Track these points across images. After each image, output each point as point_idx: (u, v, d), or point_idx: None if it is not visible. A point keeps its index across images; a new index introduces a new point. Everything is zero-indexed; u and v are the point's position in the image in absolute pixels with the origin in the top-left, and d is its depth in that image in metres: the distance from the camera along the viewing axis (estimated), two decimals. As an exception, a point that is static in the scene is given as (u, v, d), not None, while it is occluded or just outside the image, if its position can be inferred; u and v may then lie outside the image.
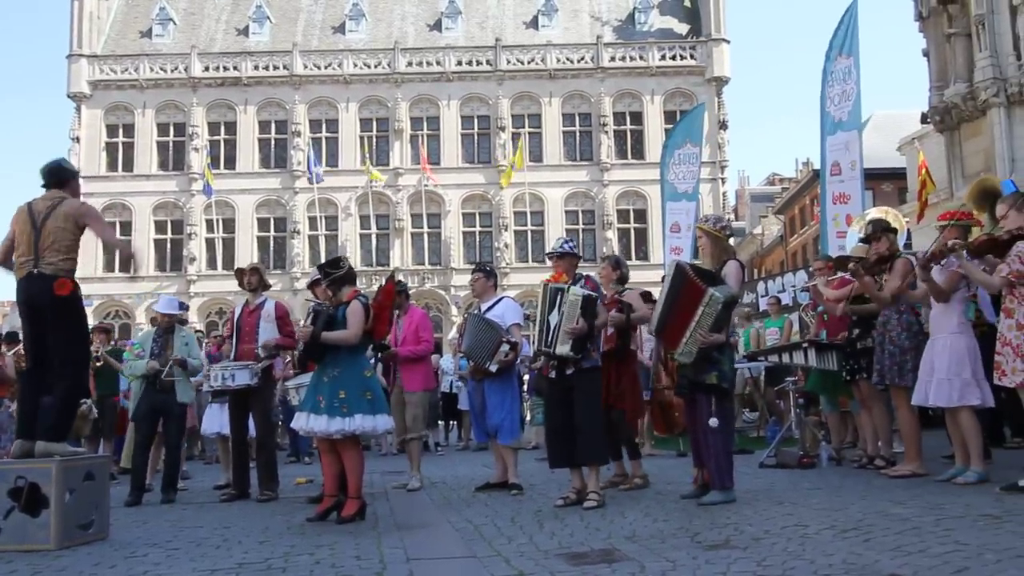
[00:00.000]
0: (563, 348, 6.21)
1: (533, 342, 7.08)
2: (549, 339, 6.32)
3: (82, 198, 6.22)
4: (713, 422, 5.90)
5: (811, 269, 9.11)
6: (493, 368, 7.34)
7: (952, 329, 6.33)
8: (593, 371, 6.42)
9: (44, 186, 5.93)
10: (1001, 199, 6.20)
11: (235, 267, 9.33)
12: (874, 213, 8.70)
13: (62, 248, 5.67)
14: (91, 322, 16.83)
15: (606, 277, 7.62)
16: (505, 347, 7.29)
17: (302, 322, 6.29)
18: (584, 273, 6.80)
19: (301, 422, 6.22)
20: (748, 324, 13.43)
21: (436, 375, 13.60)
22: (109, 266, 37.95)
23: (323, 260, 36.38)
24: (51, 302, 5.62)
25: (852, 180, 11.67)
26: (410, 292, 8.99)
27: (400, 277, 8.22)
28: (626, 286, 7.68)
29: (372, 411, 6.11)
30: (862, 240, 7.82)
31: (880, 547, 4.10)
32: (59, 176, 5.95)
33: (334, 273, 6.42)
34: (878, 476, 6.92)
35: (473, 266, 8.32)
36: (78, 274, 5.94)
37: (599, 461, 6.40)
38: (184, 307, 9.72)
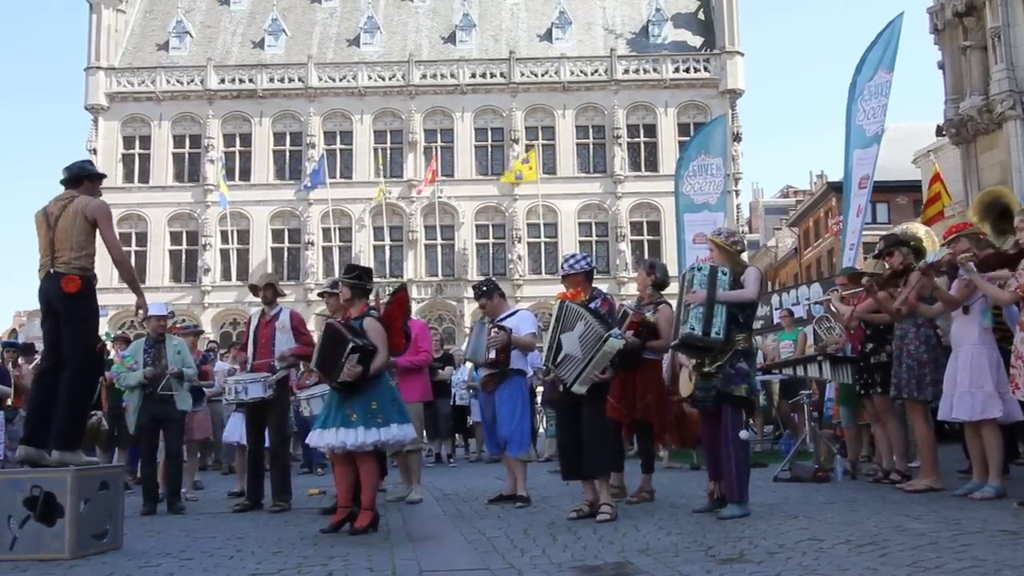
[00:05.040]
0: (580, 388, 6.13)
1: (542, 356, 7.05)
2: (557, 359, 6.25)
3: None
4: (744, 434, 5.93)
5: (833, 288, 9.04)
6: (492, 355, 7.33)
7: (973, 341, 6.27)
8: (599, 384, 6.33)
9: (62, 184, 5.99)
10: (1018, 212, 6.16)
11: (248, 280, 9.35)
12: (906, 227, 8.60)
13: (75, 245, 5.68)
14: (105, 331, 16.92)
15: (642, 283, 7.56)
16: (493, 331, 7.28)
17: (350, 358, 5.94)
18: (600, 291, 6.74)
19: (328, 438, 5.97)
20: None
21: (448, 387, 13.63)
22: (124, 276, 38.17)
23: (337, 272, 36.11)
24: (62, 299, 5.64)
25: (865, 193, 11.73)
26: (424, 303, 8.93)
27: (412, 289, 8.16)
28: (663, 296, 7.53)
29: (404, 420, 6.12)
30: (875, 256, 7.78)
31: (896, 562, 4.06)
32: (72, 174, 5.98)
33: (366, 283, 6.44)
34: (894, 490, 6.86)
35: (474, 289, 8.10)
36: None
37: (606, 474, 6.35)
38: (171, 314, 9.65)
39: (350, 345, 5.95)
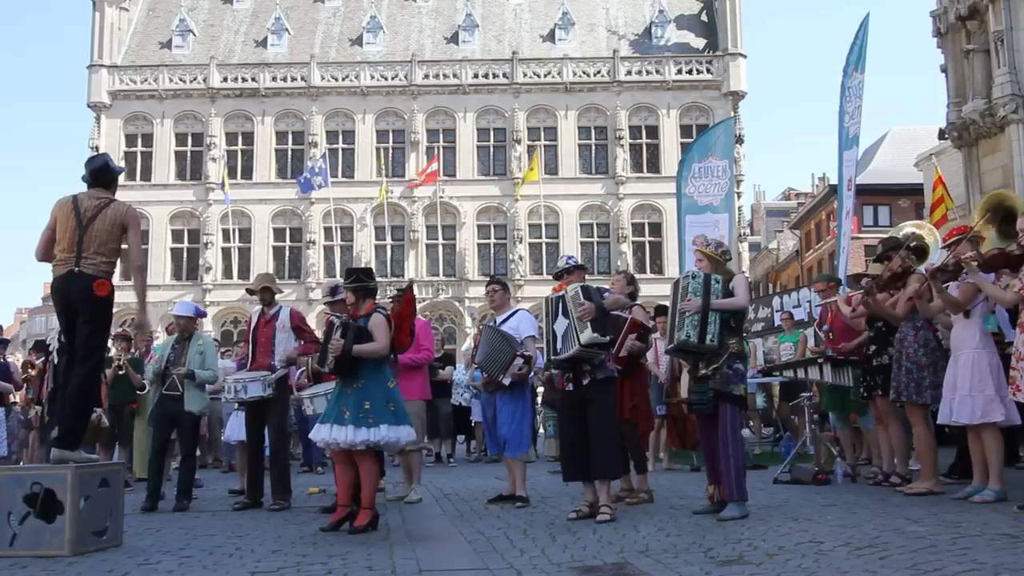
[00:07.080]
0: (586, 334, 6.17)
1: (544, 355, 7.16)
2: (558, 347, 6.35)
3: None
4: (746, 432, 6.01)
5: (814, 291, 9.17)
6: (506, 381, 7.36)
7: (974, 344, 6.28)
8: (608, 382, 6.41)
9: (89, 184, 5.91)
10: (1022, 213, 6.16)
11: (250, 280, 9.38)
12: (909, 228, 8.63)
13: (106, 250, 5.69)
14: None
15: (619, 290, 7.65)
16: (519, 361, 7.30)
17: (335, 335, 6.16)
18: (596, 287, 6.79)
19: (323, 433, 6.10)
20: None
21: (449, 387, 13.63)
22: (126, 274, 38.14)
23: (338, 271, 35.93)
24: (88, 301, 5.62)
25: (852, 195, 11.79)
26: (425, 303, 9.01)
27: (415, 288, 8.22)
28: (636, 301, 7.81)
29: (396, 422, 6.13)
30: (875, 260, 7.80)
31: (896, 565, 4.06)
32: (106, 176, 5.96)
33: (368, 283, 6.47)
34: (894, 493, 6.88)
35: (488, 279, 8.32)
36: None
37: (614, 475, 6.42)
38: (202, 313, 9.68)
39: (337, 322, 6.16)
